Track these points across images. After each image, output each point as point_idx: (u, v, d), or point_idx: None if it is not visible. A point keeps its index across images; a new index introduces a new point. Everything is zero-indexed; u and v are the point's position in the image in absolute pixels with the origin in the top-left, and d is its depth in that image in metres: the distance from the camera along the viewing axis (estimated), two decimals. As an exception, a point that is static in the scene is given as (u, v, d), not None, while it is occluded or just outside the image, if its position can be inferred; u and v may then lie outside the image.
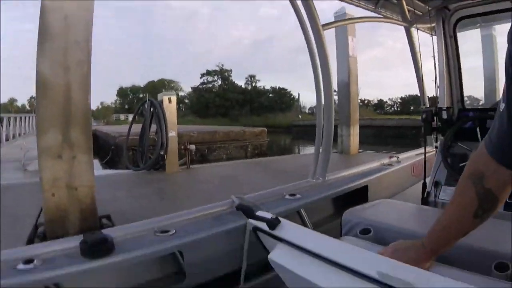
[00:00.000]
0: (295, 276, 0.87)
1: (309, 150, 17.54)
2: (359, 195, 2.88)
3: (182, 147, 7.22)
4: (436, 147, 2.77)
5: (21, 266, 1.31)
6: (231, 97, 42.48)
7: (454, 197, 0.99)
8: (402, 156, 3.68)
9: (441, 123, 2.65)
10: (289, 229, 0.87)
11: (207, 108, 40.41)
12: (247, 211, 0.85)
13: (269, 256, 0.89)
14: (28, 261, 1.34)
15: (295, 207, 2.32)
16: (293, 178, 3.13)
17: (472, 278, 1.11)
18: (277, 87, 48.10)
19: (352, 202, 2.83)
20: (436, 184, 2.65)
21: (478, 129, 2.43)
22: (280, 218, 0.86)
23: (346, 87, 9.38)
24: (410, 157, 3.73)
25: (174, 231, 1.75)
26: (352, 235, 1.64)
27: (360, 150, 10.34)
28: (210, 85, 46.76)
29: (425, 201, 2.66)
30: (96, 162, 9.47)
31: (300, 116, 36.72)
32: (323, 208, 2.83)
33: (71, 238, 1.52)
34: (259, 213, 0.88)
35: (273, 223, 0.84)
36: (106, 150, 13.28)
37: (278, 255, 0.88)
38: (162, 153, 6.34)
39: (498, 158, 0.87)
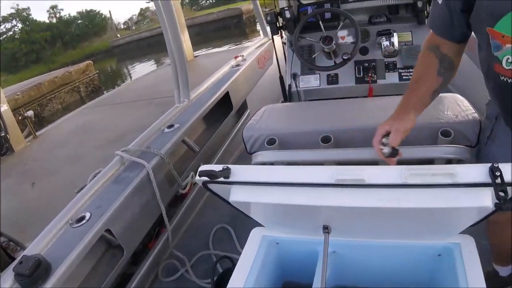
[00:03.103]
0: (258, 205, 1.03)
1: (141, 68, 16.68)
2: (223, 102, 3.04)
3: (20, 117, 6.31)
4: (283, 43, 3.04)
5: None
6: (37, 38, 36.48)
7: (418, 63, 1.19)
8: (245, 53, 3.85)
9: (286, 22, 2.91)
10: (235, 172, 0.97)
11: (16, 60, 34.29)
12: (210, 175, 0.93)
13: (230, 199, 1.00)
14: None
15: (179, 137, 2.34)
16: (152, 106, 3.18)
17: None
18: (84, 11, 43.05)
19: (220, 111, 3.02)
20: (294, 76, 2.94)
21: (320, 22, 2.62)
22: (229, 166, 0.97)
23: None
24: (252, 52, 3.92)
25: (89, 214, 1.64)
26: (257, 148, 1.74)
27: (195, 54, 10.22)
28: (11, 33, 39.09)
29: (289, 92, 2.95)
30: None
31: (118, 35, 33.71)
32: (199, 126, 2.92)
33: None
34: (204, 167, 0.96)
35: (227, 173, 0.95)
36: None
37: (237, 196, 0.98)
38: (2, 134, 5.48)
39: (445, 36, 1.11)
